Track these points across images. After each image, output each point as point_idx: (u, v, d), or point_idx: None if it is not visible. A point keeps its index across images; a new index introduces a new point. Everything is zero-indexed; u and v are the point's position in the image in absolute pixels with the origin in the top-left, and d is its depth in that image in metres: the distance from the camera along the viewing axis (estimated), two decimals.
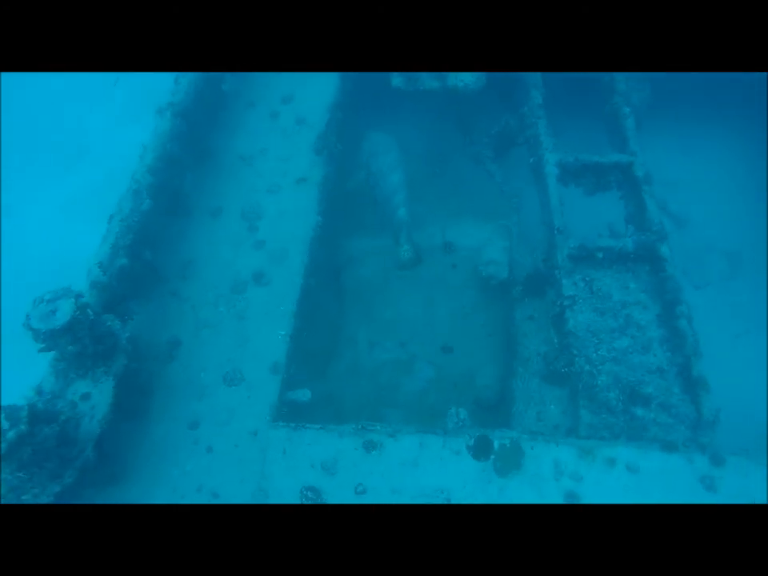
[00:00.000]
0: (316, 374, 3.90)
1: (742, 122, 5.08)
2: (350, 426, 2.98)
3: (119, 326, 2.93)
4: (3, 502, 2.47)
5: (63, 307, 2.61)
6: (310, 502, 2.79)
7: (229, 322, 3.43)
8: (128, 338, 2.97)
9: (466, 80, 4.17)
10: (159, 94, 3.98)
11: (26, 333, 2.61)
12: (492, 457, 2.87)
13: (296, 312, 3.44)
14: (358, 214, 4.49)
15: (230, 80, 4.40)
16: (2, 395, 3.45)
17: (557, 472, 2.83)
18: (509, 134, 4.63)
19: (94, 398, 2.80)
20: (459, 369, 3.94)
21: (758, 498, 2.71)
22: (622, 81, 4.39)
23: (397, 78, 4.28)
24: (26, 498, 2.48)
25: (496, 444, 2.90)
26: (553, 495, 2.78)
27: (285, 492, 2.84)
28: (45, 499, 2.49)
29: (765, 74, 4.56)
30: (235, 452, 2.99)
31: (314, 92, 4.39)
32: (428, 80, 4.24)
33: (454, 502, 2.77)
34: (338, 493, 2.82)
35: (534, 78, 4.42)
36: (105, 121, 7.14)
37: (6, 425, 2.35)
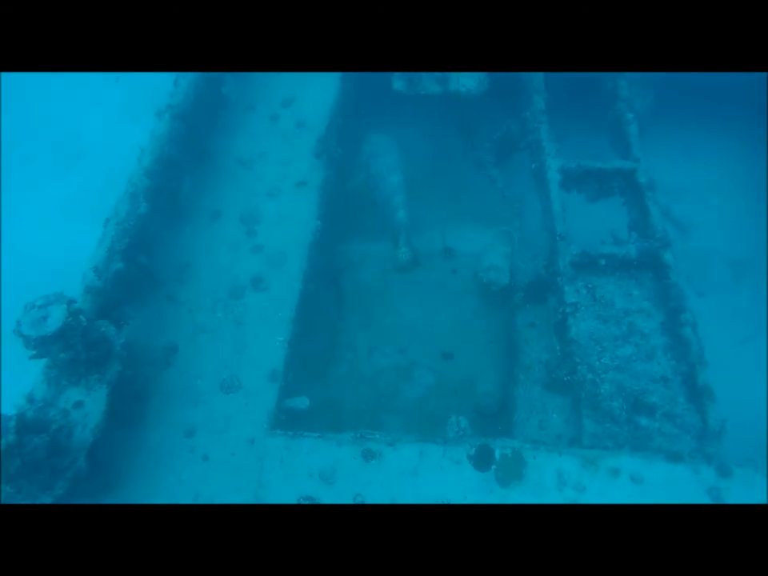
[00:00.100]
0: (315, 380, 3.85)
1: (746, 128, 5.06)
2: (348, 434, 2.93)
3: (114, 332, 2.88)
4: None
5: (55, 313, 2.56)
6: None
7: (226, 327, 3.39)
8: (123, 343, 2.92)
9: (467, 84, 4.14)
10: (159, 94, 3.95)
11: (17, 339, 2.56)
12: (493, 467, 2.82)
13: (295, 318, 3.40)
14: (357, 217, 4.45)
15: (230, 83, 4.37)
16: (1, 398, 3.39)
17: (560, 482, 2.78)
18: (511, 139, 4.61)
19: (87, 405, 2.75)
20: (459, 375, 3.89)
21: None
22: (625, 87, 4.37)
23: (398, 82, 4.24)
24: None
25: (497, 453, 2.85)
26: None
27: (282, 501, 2.78)
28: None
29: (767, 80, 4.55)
30: (232, 460, 2.94)
31: (315, 95, 4.36)
32: (429, 84, 4.21)
33: None
34: (336, 502, 2.77)
35: (537, 82, 4.40)
36: (104, 121, 7.11)
37: None
